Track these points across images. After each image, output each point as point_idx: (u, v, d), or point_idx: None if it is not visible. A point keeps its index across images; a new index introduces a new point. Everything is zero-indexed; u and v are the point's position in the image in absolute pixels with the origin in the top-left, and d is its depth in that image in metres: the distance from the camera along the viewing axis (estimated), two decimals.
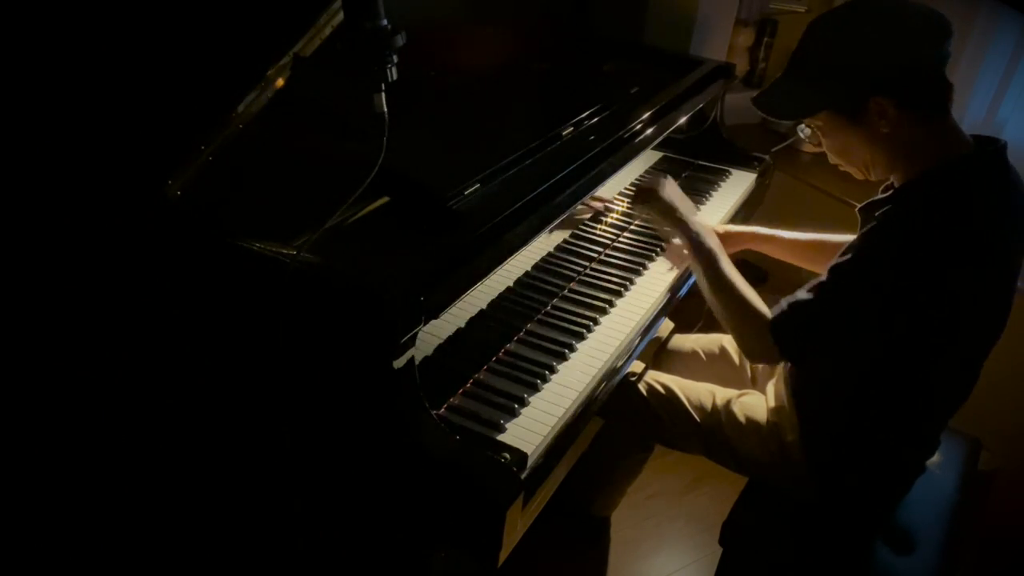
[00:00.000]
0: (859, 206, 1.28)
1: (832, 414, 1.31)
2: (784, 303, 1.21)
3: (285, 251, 1.03)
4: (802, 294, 1.19)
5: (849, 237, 1.57)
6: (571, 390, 1.18)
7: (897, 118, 1.12)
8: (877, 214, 1.16)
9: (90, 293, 1.27)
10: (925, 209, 1.11)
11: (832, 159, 1.26)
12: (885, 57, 1.11)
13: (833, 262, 1.17)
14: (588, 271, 1.50)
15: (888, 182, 1.27)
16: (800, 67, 1.20)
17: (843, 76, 1.14)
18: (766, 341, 1.21)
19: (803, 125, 1.27)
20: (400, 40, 0.93)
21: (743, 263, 2.74)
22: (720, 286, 1.30)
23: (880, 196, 1.25)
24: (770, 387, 1.48)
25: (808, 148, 2.72)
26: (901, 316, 1.13)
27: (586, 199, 1.39)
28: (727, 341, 1.63)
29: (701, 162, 2.06)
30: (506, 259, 1.16)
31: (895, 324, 1.14)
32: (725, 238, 1.61)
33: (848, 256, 1.15)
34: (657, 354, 1.67)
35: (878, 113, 1.12)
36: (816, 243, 1.57)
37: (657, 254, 1.60)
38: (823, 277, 1.18)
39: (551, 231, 1.42)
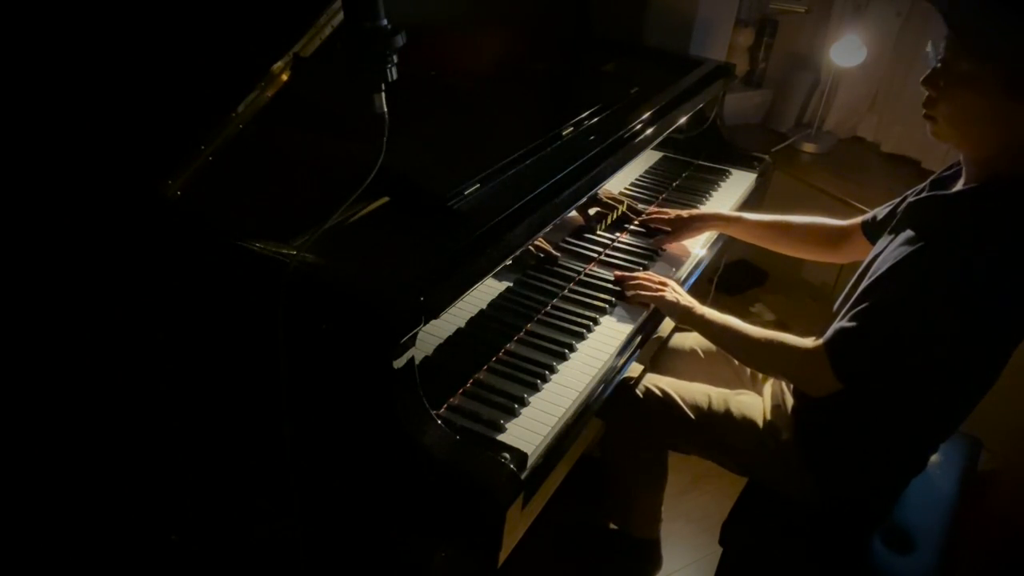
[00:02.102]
0: (911, 199, 1.23)
1: (828, 414, 1.31)
2: (842, 325, 1.15)
3: (285, 251, 1.03)
4: (860, 316, 1.12)
5: (815, 219, 1.57)
6: (571, 390, 1.18)
7: None
8: (942, 211, 1.12)
9: (90, 293, 1.27)
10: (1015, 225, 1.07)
11: (940, 107, 1.12)
12: None
13: (895, 263, 1.11)
14: (588, 271, 1.50)
15: (943, 172, 1.23)
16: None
17: None
18: (822, 366, 1.16)
19: (938, 52, 1.10)
20: (400, 40, 0.92)
21: (743, 263, 2.76)
22: (752, 343, 1.28)
23: (942, 192, 1.18)
24: (767, 387, 1.49)
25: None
26: (968, 330, 1.10)
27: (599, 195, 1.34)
28: None
29: (701, 162, 2.06)
30: (506, 259, 1.16)
31: (961, 337, 1.10)
32: (693, 221, 1.63)
33: (920, 266, 1.09)
34: (657, 353, 1.68)
35: None
36: (779, 224, 1.60)
37: (658, 255, 1.60)
38: (883, 288, 1.11)
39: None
